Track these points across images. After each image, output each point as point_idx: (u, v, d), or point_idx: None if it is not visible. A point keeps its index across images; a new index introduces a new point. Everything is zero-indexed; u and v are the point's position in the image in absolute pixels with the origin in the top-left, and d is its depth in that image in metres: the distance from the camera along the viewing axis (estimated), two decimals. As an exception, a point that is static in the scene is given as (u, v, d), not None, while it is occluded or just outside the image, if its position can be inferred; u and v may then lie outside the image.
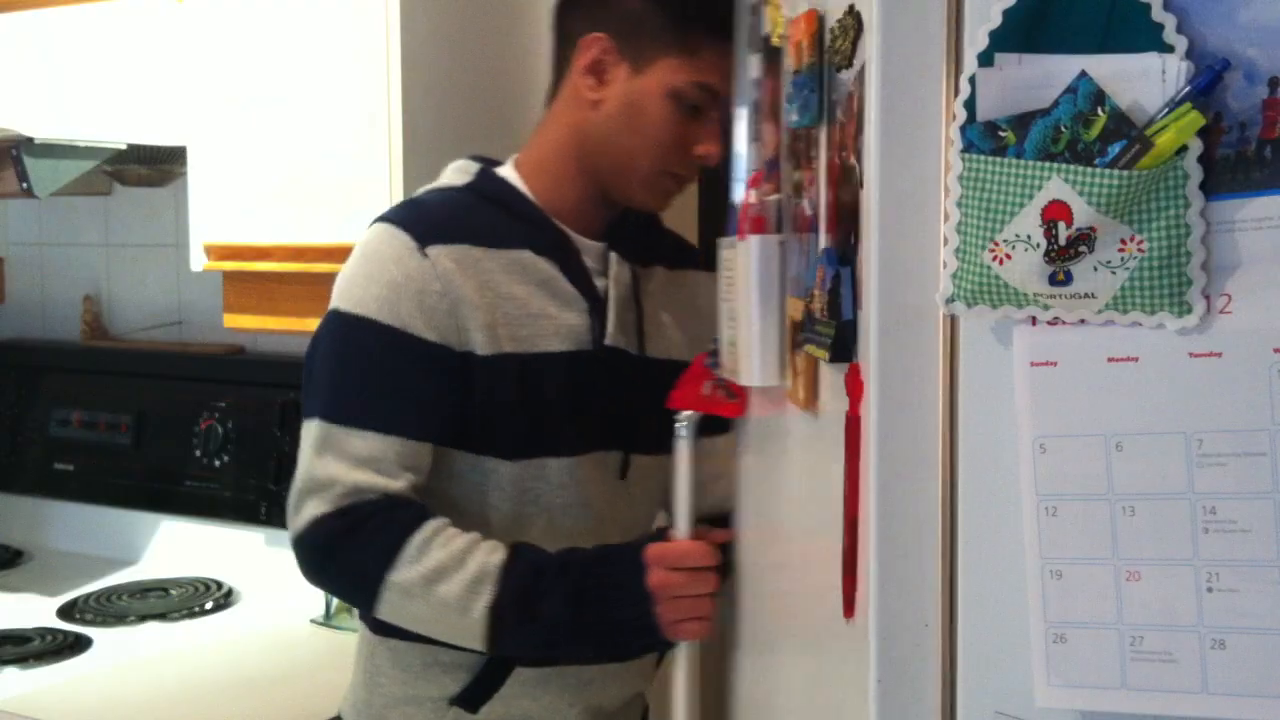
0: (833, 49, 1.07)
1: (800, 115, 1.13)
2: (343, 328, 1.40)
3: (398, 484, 1.36)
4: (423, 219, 1.42)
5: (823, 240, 1.11)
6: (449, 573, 1.33)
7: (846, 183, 1.05)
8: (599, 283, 1.48)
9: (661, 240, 1.59)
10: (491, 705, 1.45)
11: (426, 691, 1.45)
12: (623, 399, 1.49)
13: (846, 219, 1.05)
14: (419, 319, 1.38)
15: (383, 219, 1.44)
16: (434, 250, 1.39)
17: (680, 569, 1.35)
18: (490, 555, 1.35)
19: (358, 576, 1.37)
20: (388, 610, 1.36)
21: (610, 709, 1.53)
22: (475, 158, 1.53)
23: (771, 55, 1.24)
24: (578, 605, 1.34)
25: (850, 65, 1.04)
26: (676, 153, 1.43)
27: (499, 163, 1.52)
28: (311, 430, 1.39)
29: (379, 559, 1.34)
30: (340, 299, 1.41)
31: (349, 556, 1.37)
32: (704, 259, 1.60)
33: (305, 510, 1.37)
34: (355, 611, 1.60)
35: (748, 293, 1.20)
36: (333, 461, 1.36)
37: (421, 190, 1.51)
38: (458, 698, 1.44)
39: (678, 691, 1.42)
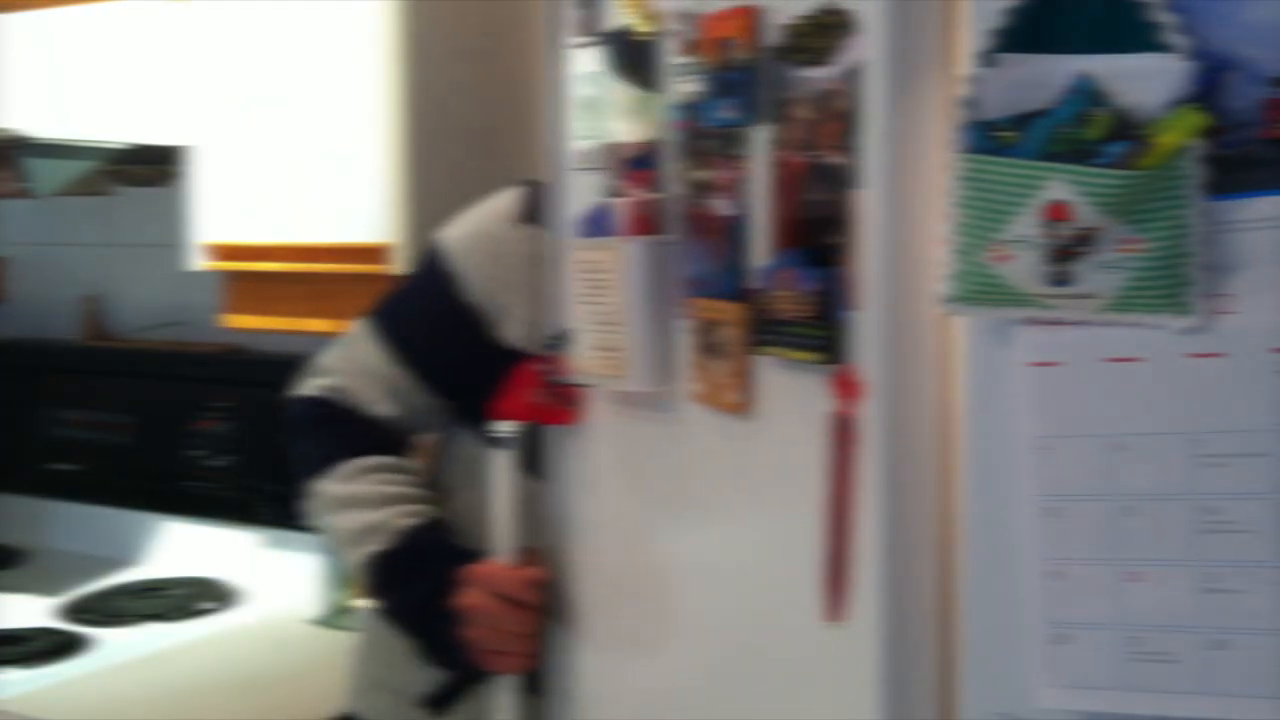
0: (794, 45, 1.06)
1: (737, 112, 1.10)
2: (432, 249, 1.46)
3: (384, 407, 1.43)
4: (541, 196, 1.40)
5: (760, 242, 1.09)
6: (360, 507, 1.38)
7: (818, 182, 1.04)
8: None
9: None
10: (466, 707, 1.43)
11: (406, 685, 1.45)
12: None
13: (817, 220, 1.04)
14: (476, 276, 1.39)
15: (522, 181, 1.46)
16: (533, 229, 1.38)
17: (499, 596, 1.29)
18: (403, 518, 1.38)
19: (300, 465, 1.45)
20: (312, 508, 1.44)
21: None
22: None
23: (625, 47, 1.22)
24: (406, 604, 1.37)
25: (824, 63, 1.03)
26: None
27: None
28: (356, 325, 1.48)
29: (318, 461, 1.42)
30: (450, 227, 1.46)
31: (300, 445, 1.46)
32: None
33: (303, 385, 1.49)
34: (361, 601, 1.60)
35: (629, 295, 1.18)
36: (341, 356, 1.47)
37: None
38: (430, 698, 1.44)
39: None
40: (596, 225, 1.24)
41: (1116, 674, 0.91)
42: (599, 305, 1.22)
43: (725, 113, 1.11)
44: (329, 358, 1.48)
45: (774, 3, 1.07)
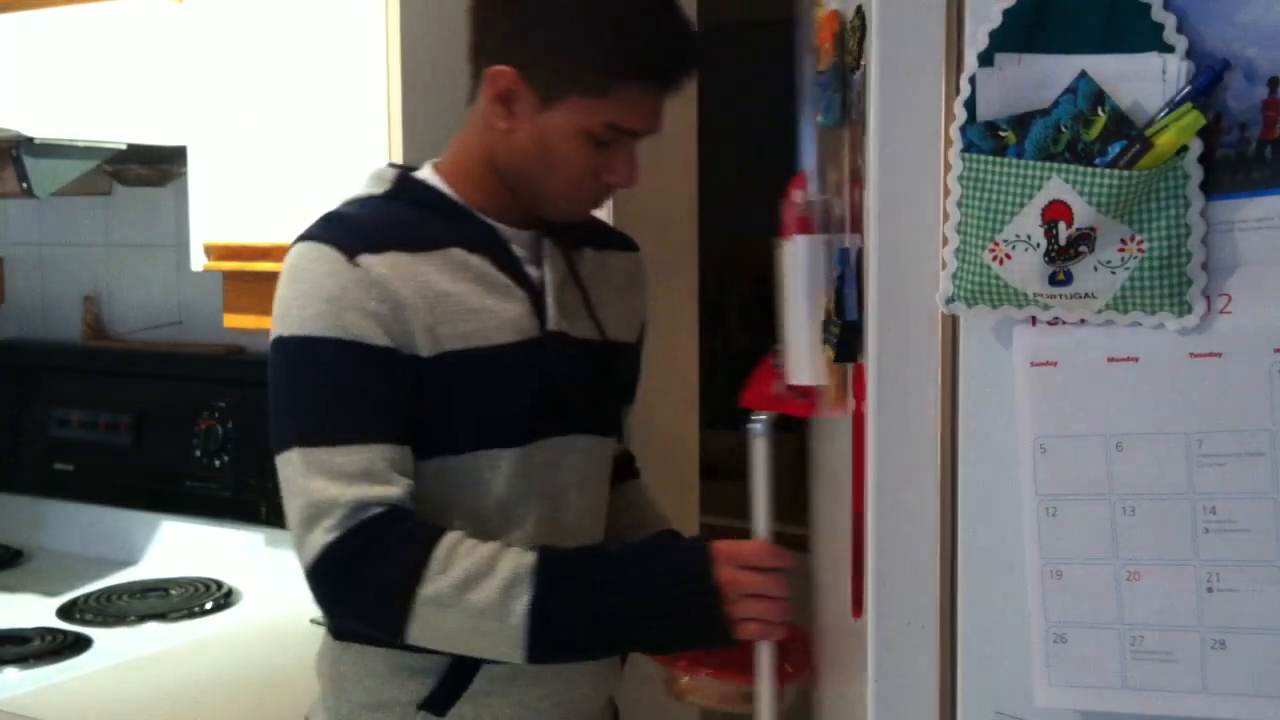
0: (846, 49, 1.08)
1: (825, 116, 1.14)
2: (294, 352, 1.37)
3: (397, 490, 1.33)
4: (346, 231, 1.40)
5: (846, 240, 1.11)
6: (481, 579, 1.30)
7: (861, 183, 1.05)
8: (532, 271, 1.46)
9: (581, 222, 1.55)
10: (460, 707, 1.42)
11: (395, 696, 1.43)
12: (568, 383, 1.46)
13: (861, 219, 1.05)
14: (366, 326, 1.35)
15: (304, 237, 1.41)
16: (364, 259, 1.37)
17: (751, 568, 1.33)
18: (521, 557, 1.33)
19: (385, 596, 1.31)
20: (419, 627, 1.31)
21: (585, 708, 1.51)
22: (393, 164, 1.52)
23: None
24: (631, 598, 1.32)
25: (859, 66, 1.04)
26: (588, 181, 1.42)
27: (416, 168, 1.51)
28: (293, 460, 1.34)
29: (405, 575, 1.29)
30: (281, 325, 1.38)
31: (372, 577, 1.31)
32: (625, 241, 1.63)
33: (313, 538, 1.31)
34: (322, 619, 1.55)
35: (794, 293, 1.22)
36: (327, 483, 1.31)
37: (341, 203, 1.49)
38: (426, 702, 1.42)
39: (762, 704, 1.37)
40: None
41: (1116, 674, 0.91)
42: (784, 303, 1.27)
43: (822, 116, 1.15)
44: (315, 499, 1.32)
45: (848, 6, 1.09)
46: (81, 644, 2.06)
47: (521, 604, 1.30)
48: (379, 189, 1.47)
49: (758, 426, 1.39)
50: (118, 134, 2.18)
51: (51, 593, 2.32)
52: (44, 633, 2.10)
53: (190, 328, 2.58)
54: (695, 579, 1.32)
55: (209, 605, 2.24)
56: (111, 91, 2.18)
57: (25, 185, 2.07)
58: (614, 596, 1.33)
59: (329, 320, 1.35)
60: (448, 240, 1.43)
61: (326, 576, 1.32)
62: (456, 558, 1.31)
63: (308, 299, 1.36)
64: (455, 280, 1.41)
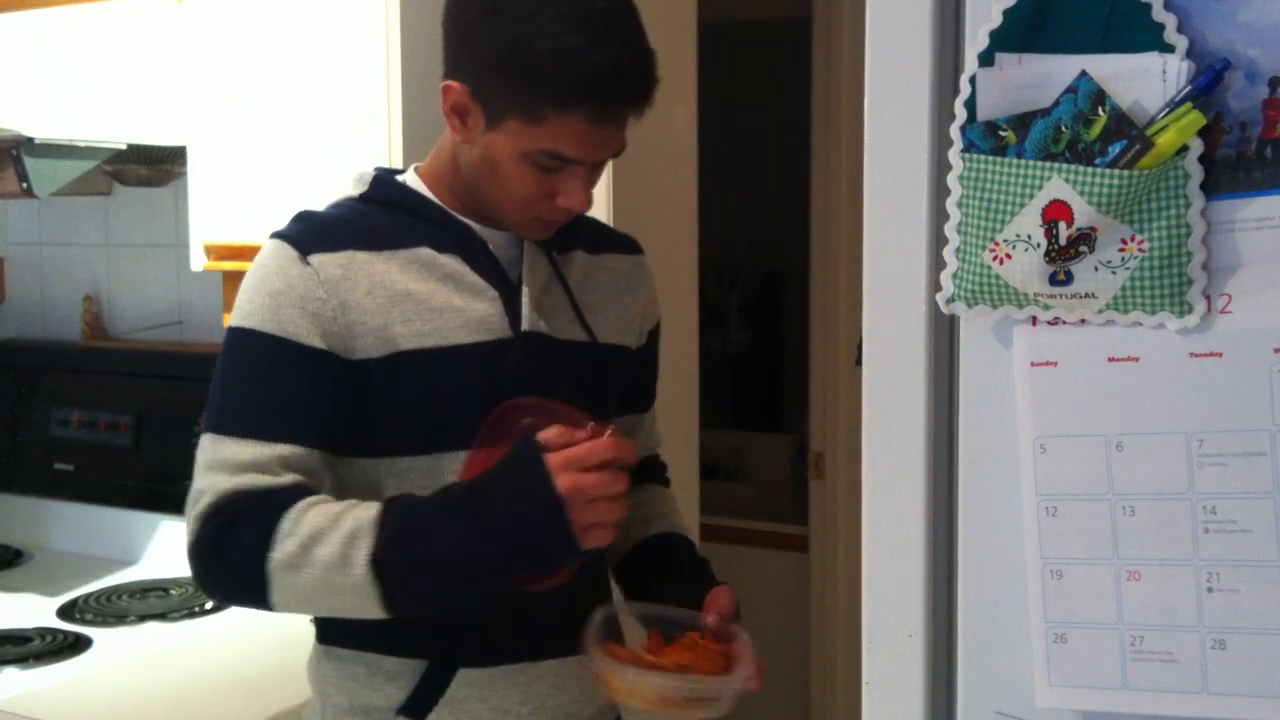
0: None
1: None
2: (232, 341, 1.40)
3: (281, 481, 1.33)
4: (309, 230, 1.42)
5: None
6: (325, 534, 1.29)
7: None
8: (511, 272, 1.45)
9: (577, 225, 1.54)
10: (439, 712, 1.41)
11: (372, 701, 1.43)
12: (546, 385, 1.44)
13: None
14: (302, 325, 1.36)
15: (273, 235, 1.43)
16: (316, 258, 1.38)
17: (589, 469, 1.27)
18: (365, 511, 1.31)
19: (242, 569, 1.32)
20: (279, 594, 1.31)
21: (574, 712, 1.48)
22: (379, 168, 1.52)
23: None
24: (476, 531, 1.29)
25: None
26: (536, 202, 1.40)
27: (400, 172, 1.52)
28: (204, 445, 1.36)
29: (257, 544, 1.29)
30: (233, 314, 1.41)
31: (230, 554, 1.32)
32: (626, 243, 1.61)
33: (190, 523, 1.34)
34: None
35: None
36: (213, 474, 1.34)
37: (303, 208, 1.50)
38: (404, 707, 1.42)
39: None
40: None
41: (1116, 674, 0.91)
42: None
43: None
44: (200, 485, 1.35)
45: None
46: (81, 644, 2.06)
47: (363, 553, 1.28)
48: (357, 190, 1.49)
49: None
50: (118, 134, 2.18)
51: (51, 593, 2.32)
52: (44, 633, 2.10)
53: (190, 328, 2.58)
54: (538, 496, 1.27)
55: (209, 605, 2.23)
56: (111, 91, 2.18)
57: (25, 185, 2.07)
58: (459, 536, 1.29)
59: (266, 315, 1.37)
60: (417, 240, 1.43)
61: (195, 562, 1.35)
62: (305, 518, 1.30)
63: (254, 292, 1.39)
64: (420, 280, 1.41)
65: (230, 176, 2.04)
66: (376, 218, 1.44)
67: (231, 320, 1.41)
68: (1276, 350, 0.87)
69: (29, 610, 2.23)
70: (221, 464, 1.34)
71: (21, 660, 1.98)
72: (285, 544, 1.29)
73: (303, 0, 1.94)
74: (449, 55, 1.40)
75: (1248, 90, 0.85)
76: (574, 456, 1.28)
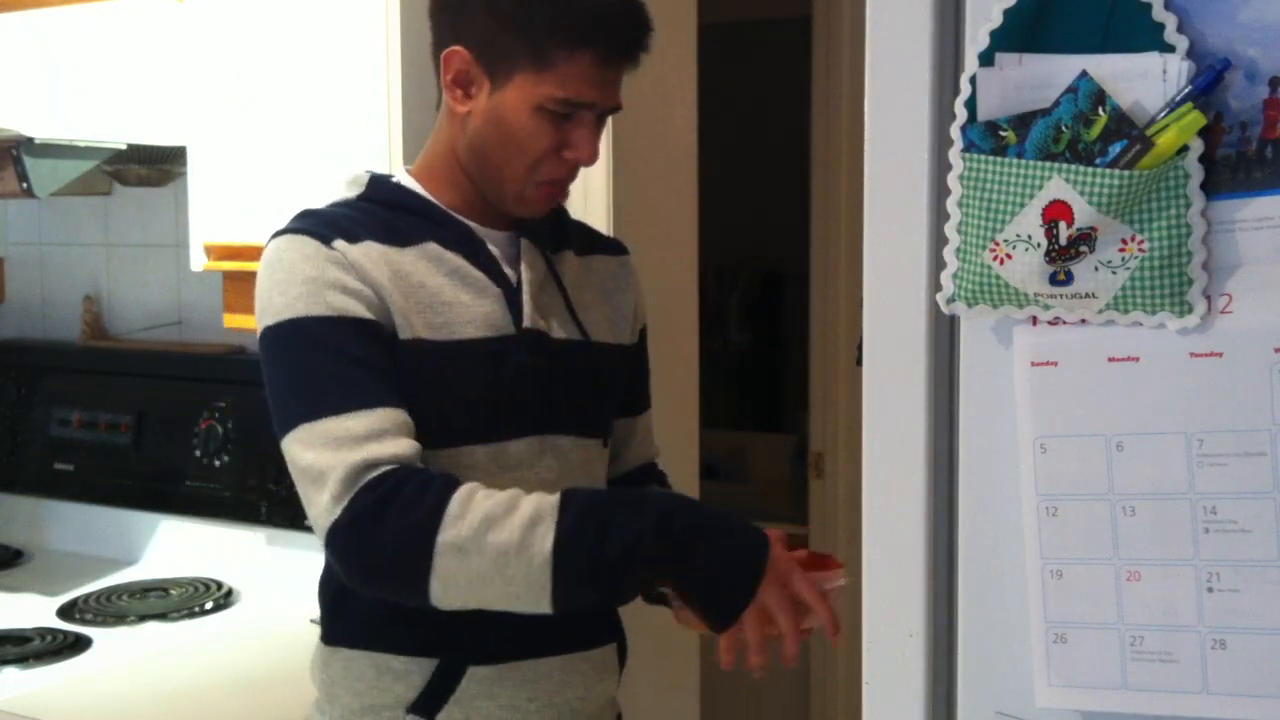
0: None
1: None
2: (281, 338, 1.37)
3: (406, 448, 1.31)
4: (320, 223, 1.41)
5: None
6: (501, 519, 1.26)
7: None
8: (509, 270, 1.46)
9: (567, 227, 1.57)
10: (449, 710, 1.41)
11: (382, 700, 1.42)
12: (546, 382, 1.45)
13: None
14: (347, 302, 1.35)
15: (280, 231, 1.42)
16: (340, 244, 1.38)
17: (794, 566, 1.32)
18: (543, 496, 1.30)
19: (402, 549, 1.27)
20: (441, 578, 1.27)
21: (580, 710, 1.49)
22: (368, 171, 1.52)
23: None
24: (661, 535, 1.29)
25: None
26: (547, 159, 1.41)
27: (391, 175, 1.53)
28: (299, 438, 1.32)
29: (422, 525, 1.25)
30: (264, 316, 1.38)
31: (388, 532, 1.27)
32: (613, 245, 1.63)
33: (325, 506, 1.28)
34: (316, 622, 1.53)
35: None
36: (334, 451, 1.29)
37: (302, 209, 1.49)
38: (414, 705, 1.42)
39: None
40: None
41: (1116, 674, 0.91)
42: None
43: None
44: (321, 466, 1.29)
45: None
46: (81, 644, 2.06)
47: (546, 540, 1.26)
48: (353, 192, 1.49)
49: None
50: (118, 134, 2.18)
51: (51, 593, 2.32)
52: (44, 633, 2.10)
53: (190, 328, 2.58)
54: (740, 535, 1.31)
55: (209, 605, 2.24)
56: (111, 91, 2.18)
57: (25, 185, 2.07)
58: (637, 532, 1.29)
59: (310, 300, 1.35)
60: (424, 236, 1.44)
61: (342, 539, 1.28)
62: (474, 503, 1.27)
63: (286, 284, 1.37)
64: (431, 274, 1.41)
65: (230, 176, 2.04)
66: (379, 216, 1.45)
67: (270, 319, 1.37)
68: (1276, 350, 0.87)
69: (29, 610, 2.23)
70: (337, 441, 1.29)
71: (21, 660, 1.98)
72: (456, 526, 1.26)
73: (303, 0, 1.94)
74: (447, 25, 1.43)
75: (1248, 90, 0.85)
76: (793, 568, 1.31)
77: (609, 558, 1.28)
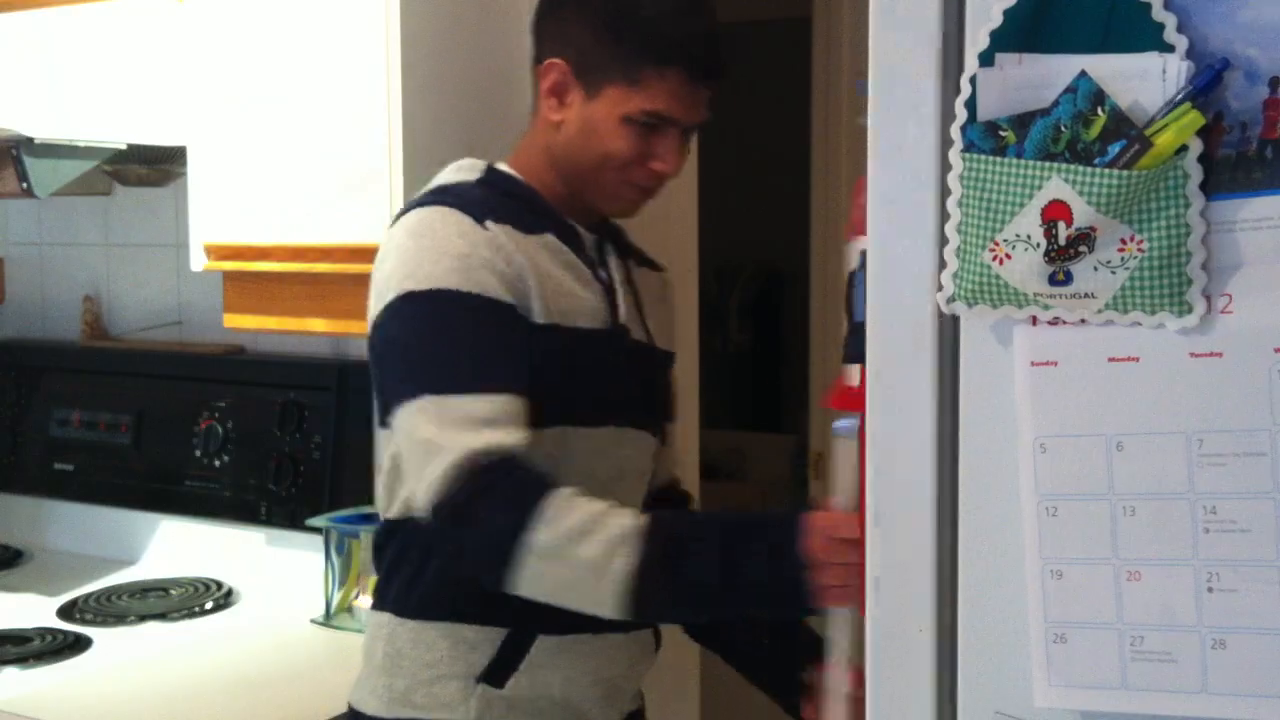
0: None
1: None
2: (425, 304, 1.41)
3: (516, 439, 1.36)
4: (468, 202, 1.47)
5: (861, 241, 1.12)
6: (589, 534, 1.31)
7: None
8: (600, 270, 1.55)
9: (626, 237, 1.68)
10: (517, 679, 1.46)
11: (454, 669, 1.46)
12: (632, 376, 1.56)
13: None
14: (494, 283, 1.41)
15: (424, 203, 1.47)
16: (491, 224, 1.45)
17: (837, 538, 1.32)
18: (631, 518, 1.34)
19: (494, 540, 1.34)
20: (521, 574, 1.33)
21: (620, 685, 1.55)
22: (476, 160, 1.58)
23: None
24: (727, 566, 1.33)
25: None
26: (635, 168, 1.51)
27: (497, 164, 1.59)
28: (423, 407, 1.38)
29: (516, 522, 1.32)
30: (408, 280, 1.42)
31: (485, 521, 1.34)
32: (654, 263, 1.72)
33: (435, 479, 1.35)
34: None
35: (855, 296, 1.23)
36: (454, 428, 1.35)
37: (430, 187, 1.54)
38: (484, 674, 1.46)
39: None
40: None
41: (1116, 674, 0.91)
42: None
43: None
44: (443, 442, 1.35)
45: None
46: (81, 644, 2.06)
47: (622, 565, 1.31)
48: (471, 176, 1.55)
49: (842, 427, 1.35)
50: (118, 134, 2.18)
51: (51, 593, 2.32)
52: (44, 633, 2.10)
53: (190, 328, 2.58)
54: (787, 552, 1.32)
55: (209, 605, 2.24)
56: (111, 91, 2.18)
57: (25, 185, 2.07)
58: (712, 567, 1.33)
59: (461, 275, 1.41)
60: (544, 227, 1.51)
61: (444, 518, 1.35)
62: (567, 511, 1.33)
63: (439, 255, 1.42)
64: (553, 263, 1.49)
65: (230, 176, 2.04)
66: (505, 202, 1.51)
67: (415, 285, 1.42)
68: (1276, 350, 0.87)
69: (29, 610, 2.23)
70: (459, 421, 1.36)
71: (21, 660, 1.98)
72: (547, 531, 1.31)
73: (303, 0, 1.94)
74: (547, 38, 1.53)
75: (1248, 90, 0.85)
76: (832, 522, 1.32)
77: (681, 588, 1.35)
